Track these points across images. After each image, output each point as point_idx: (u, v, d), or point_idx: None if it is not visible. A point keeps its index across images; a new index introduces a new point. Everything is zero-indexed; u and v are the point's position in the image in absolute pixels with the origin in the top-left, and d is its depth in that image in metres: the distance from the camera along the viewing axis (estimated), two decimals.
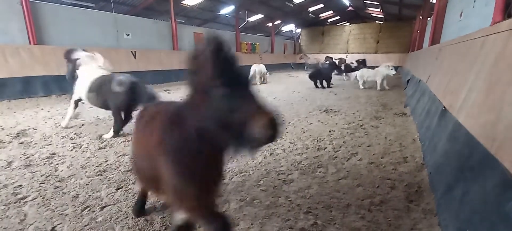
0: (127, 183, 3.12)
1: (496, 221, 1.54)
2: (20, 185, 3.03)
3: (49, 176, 3.28)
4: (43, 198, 2.78)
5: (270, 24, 26.95)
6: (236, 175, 3.32)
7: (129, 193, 2.89)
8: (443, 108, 3.62)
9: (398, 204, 2.68)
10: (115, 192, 2.92)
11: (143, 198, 2.50)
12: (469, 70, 3.25)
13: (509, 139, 1.73)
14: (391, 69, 10.75)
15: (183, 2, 17.62)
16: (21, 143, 4.43)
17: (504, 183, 1.60)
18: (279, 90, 11.45)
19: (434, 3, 11.47)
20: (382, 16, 26.60)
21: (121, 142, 4.53)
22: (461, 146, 2.48)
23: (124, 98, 4.43)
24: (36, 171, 3.39)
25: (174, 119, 1.51)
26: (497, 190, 1.64)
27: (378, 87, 11.15)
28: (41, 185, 3.05)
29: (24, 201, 2.72)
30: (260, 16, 24.65)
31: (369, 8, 25.14)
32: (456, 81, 3.65)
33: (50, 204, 2.66)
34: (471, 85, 2.92)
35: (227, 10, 21.35)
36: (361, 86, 11.65)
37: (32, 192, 2.89)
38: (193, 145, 1.39)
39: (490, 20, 4.18)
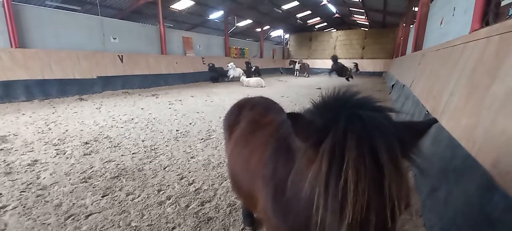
0: (113, 190, 3.05)
1: (479, 221, 1.60)
2: (0, 194, 2.90)
3: (30, 184, 3.15)
4: (24, 207, 2.67)
5: (259, 30, 27.15)
6: (226, 180, 3.30)
7: (115, 200, 2.82)
8: (426, 112, 3.73)
9: None
10: (100, 200, 2.84)
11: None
12: (450, 75, 3.38)
13: (488, 141, 1.80)
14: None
15: (171, 6, 17.52)
16: (1, 149, 4.24)
17: (485, 184, 1.66)
18: (268, 94, 11.44)
19: (416, 11, 11.88)
20: (367, 23, 27.37)
21: (107, 148, 4.42)
22: (444, 149, 2.56)
23: None
24: (16, 179, 3.26)
25: (284, 147, 1.18)
26: (479, 191, 1.70)
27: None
28: (22, 193, 2.93)
29: (4, 210, 2.60)
30: (249, 21, 24.80)
31: (355, 15, 25.82)
32: (438, 86, 3.78)
33: (32, 213, 2.56)
34: (452, 90, 3.03)
35: (216, 15, 21.36)
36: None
37: (13, 200, 2.77)
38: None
39: (469, 27, 4.37)
